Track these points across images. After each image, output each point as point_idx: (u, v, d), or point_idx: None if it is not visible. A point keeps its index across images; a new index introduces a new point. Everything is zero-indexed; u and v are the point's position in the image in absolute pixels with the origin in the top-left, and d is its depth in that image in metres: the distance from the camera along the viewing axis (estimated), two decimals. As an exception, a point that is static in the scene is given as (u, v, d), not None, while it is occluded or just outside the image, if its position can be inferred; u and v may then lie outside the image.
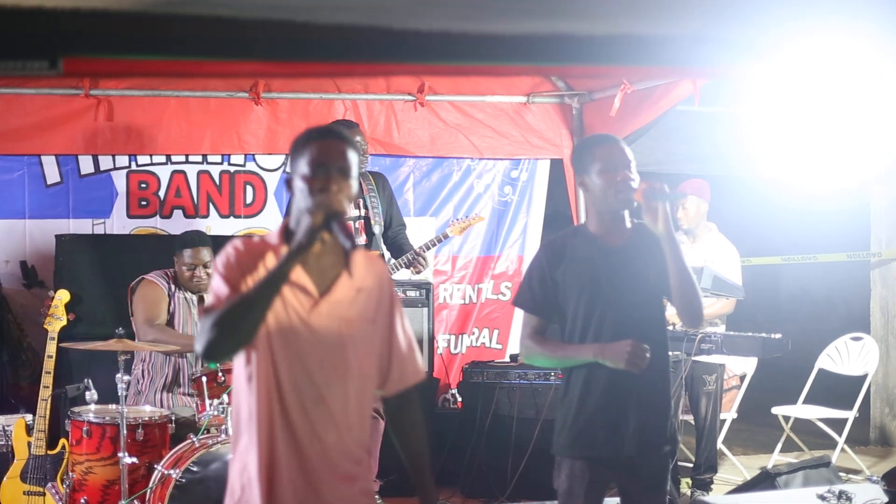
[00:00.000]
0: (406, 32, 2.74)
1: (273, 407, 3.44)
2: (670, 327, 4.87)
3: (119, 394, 6.20)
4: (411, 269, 7.72)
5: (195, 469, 5.97)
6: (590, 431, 4.57)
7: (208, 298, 3.45)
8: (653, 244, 4.54)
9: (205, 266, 7.09)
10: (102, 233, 8.44)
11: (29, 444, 6.91)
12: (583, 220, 4.87)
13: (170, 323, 7.13)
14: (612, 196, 4.53)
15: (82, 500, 6.38)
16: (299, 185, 3.44)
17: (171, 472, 5.95)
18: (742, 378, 8.59)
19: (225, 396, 6.20)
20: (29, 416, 7.06)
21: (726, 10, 3.09)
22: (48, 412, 6.94)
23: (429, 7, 2.90)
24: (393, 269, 7.57)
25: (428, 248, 7.80)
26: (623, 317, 4.52)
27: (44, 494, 6.76)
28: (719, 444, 8.38)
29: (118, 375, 6.24)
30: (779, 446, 8.72)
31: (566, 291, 4.59)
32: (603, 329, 4.52)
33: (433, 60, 3.09)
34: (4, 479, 6.90)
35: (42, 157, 8.34)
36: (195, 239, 7.21)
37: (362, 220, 7.57)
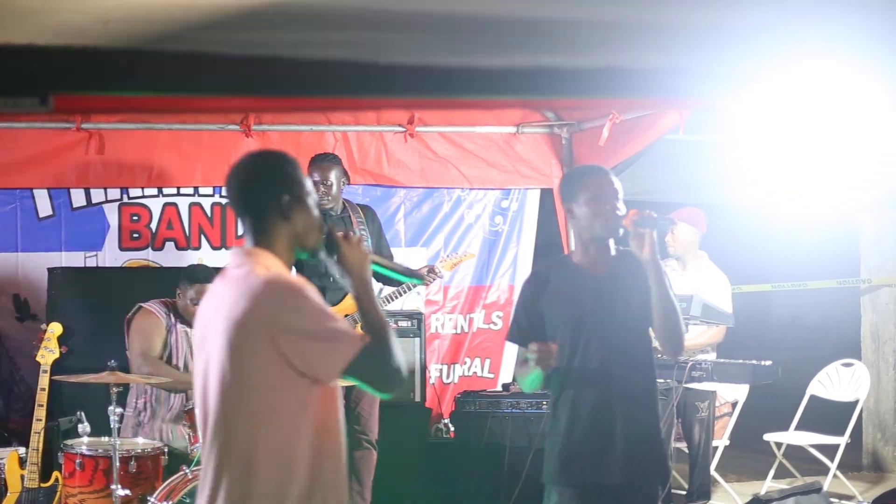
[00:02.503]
0: (394, 67, 2.77)
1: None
2: (659, 355, 4.89)
3: (111, 426, 6.20)
4: (423, 282, 7.64)
5: (188, 501, 5.97)
6: (577, 459, 4.60)
7: (340, 332, 3.44)
8: (637, 272, 4.58)
9: None
10: (95, 265, 8.44)
11: (22, 476, 6.90)
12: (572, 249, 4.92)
13: (168, 355, 7.13)
14: (600, 225, 4.58)
15: (75, 533, 6.38)
16: None
17: (164, 503, 5.95)
18: (734, 405, 8.60)
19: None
20: (22, 449, 7.05)
21: (712, 42, 3.13)
22: (41, 445, 6.94)
23: (417, 42, 2.93)
24: (394, 297, 7.57)
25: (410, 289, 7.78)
26: (608, 344, 4.56)
27: (37, 527, 6.76)
28: (712, 471, 8.38)
29: (111, 408, 6.24)
30: (771, 473, 8.73)
31: (551, 321, 4.64)
32: (588, 357, 4.56)
33: (422, 94, 3.12)
34: (-2, 512, 6.91)
35: (34, 191, 8.36)
36: (204, 276, 7.19)
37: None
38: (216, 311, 3.56)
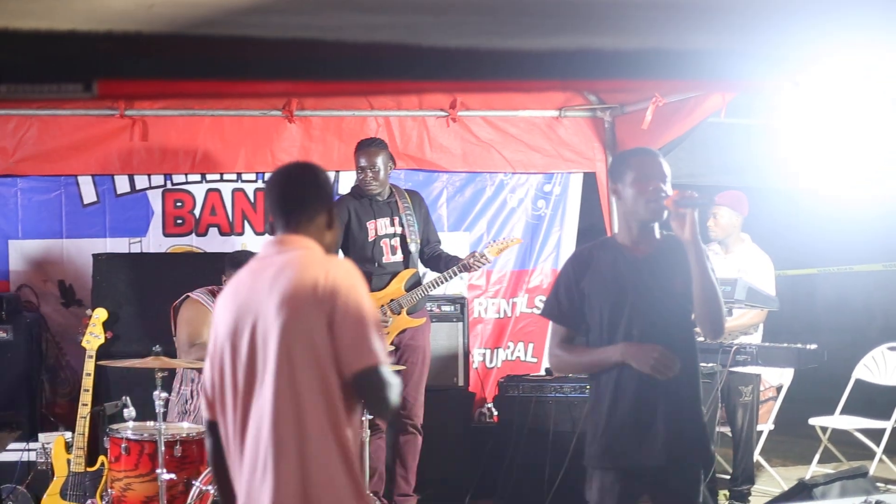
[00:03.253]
0: (437, 50, 2.76)
1: None
2: (700, 339, 4.86)
3: (156, 410, 6.24)
4: (469, 271, 7.66)
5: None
6: (619, 442, 4.58)
7: None
8: (681, 255, 4.55)
9: None
10: (139, 251, 8.49)
11: (68, 461, 6.97)
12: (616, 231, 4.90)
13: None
14: (643, 206, 4.55)
15: (121, 517, 6.43)
16: None
17: (209, 487, 5.97)
18: (779, 389, 8.54)
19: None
20: (68, 434, 7.12)
21: (758, 24, 3.10)
22: (87, 430, 7.00)
23: (459, 24, 2.92)
24: (440, 282, 7.56)
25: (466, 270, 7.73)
26: (649, 326, 4.54)
27: (83, 511, 6.82)
28: (756, 456, 8.34)
29: (156, 392, 6.28)
30: (816, 457, 8.68)
31: (592, 301, 4.62)
32: (630, 338, 4.54)
33: (464, 77, 3.11)
34: (45, 496, 6.97)
35: (79, 178, 8.42)
36: (243, 258, 7.25)
37: (398, 238, 7.59)
38: (277, 286, 3.64)
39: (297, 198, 3.86)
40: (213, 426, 3.85)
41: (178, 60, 2.20)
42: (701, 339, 4.84)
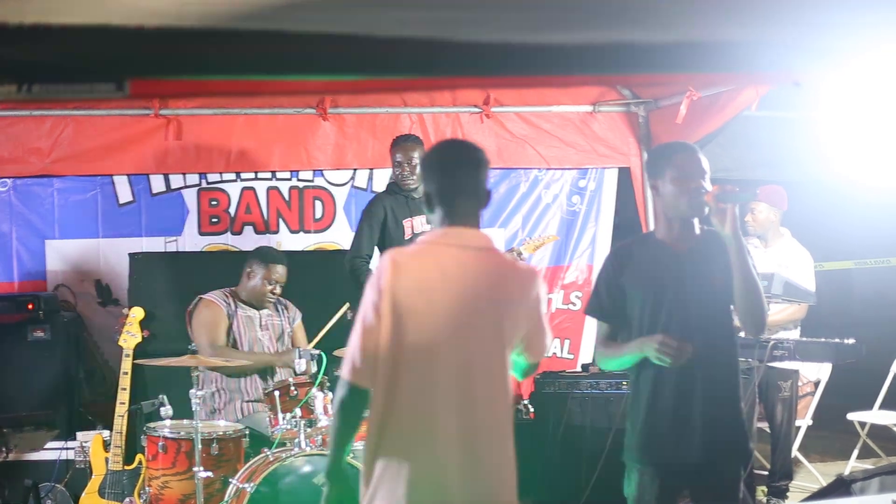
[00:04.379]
0: (470, 45, 2.74)
1: None
2: (740, 334, 4.82)
3: (193, 409, 6.26)
4: None
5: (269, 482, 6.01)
6: (657, 438, 4.56)
7: None
8: (721, 251, 4.52)
9: (279, 283, 7.21)
10: (175, 250, 8.53)
11: (106, 459, 7.00)
12: (652, 228, 4.87)
13: (233, 343, 7.17)
14: (685, 203, 4.53)
15: (159, 515, 6.45)
16: None
17: (246, 485, 5.98)
18: (817, 384, 8.49)
19: (297, 410, 6.24)
20: (106, 432, 7.15)
21: (794, 15, 3.07)
22: (125, 428, 7.03)
23: (492, 19, 2.91)
24: None
25: None
26: (689, 321, 4.51)
27: (122, 509, 6.85)
28: (794, 451, 8.29)
29: (192, 391, 6.30)
30: (855, 453, 8.61)
31: (632, 297, 4.60)
32: (669, 334, 4.50)
33: (497, 73, 3.09)
34: (83, 494, 7.00)
35: (114, 177, 8.47)
36: (275, 257, 7.31)
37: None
38: (484, 283, 3.79)
39: (484, 188, 3.94)
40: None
41: (210, 57, 2.20)
42: (741, 334, 4.80)
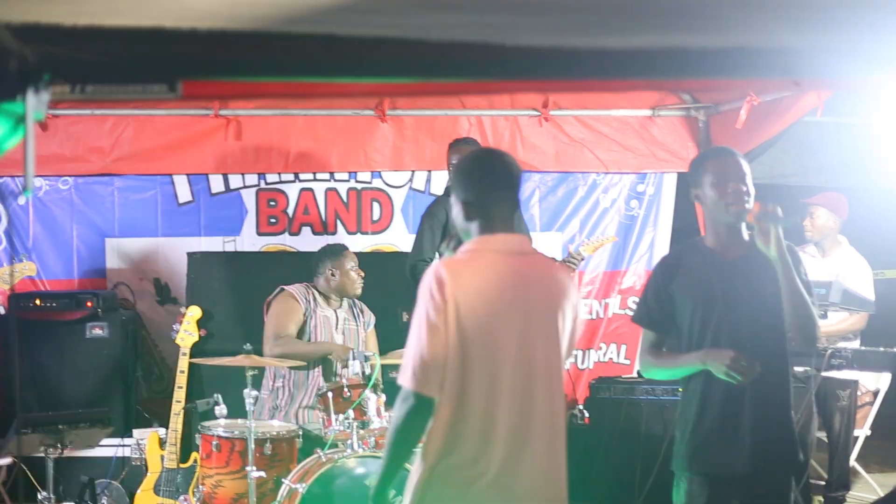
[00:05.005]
0: (528, 49, 2.73)
1: None
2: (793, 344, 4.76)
3: (247, 408, 6.28)
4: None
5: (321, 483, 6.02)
6: (706, 448, 4.51)
7: None
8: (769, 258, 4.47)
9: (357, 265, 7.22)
10: (233, 250, 8.57)
11: (162, 457, 7.05)
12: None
13: (308, 340, 7.15)
14: (724, 208, 4.49)
15: (213, 514, 6.48)
16: None
17: (298, 486, 6.00)
18: (875, 394, 8.39)
19: (350, 412, 6.24)
20: (162, 430, 7.20)
21: (855, 21, 3.03)
22: (180, 426, 7.08)
23: (551, 23, 2.89)
24: None
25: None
26: (739, 330, 4.46)
27: (176, 507, 6.89)
28: (852, 461, 8.19)
29: (246, 390, 6.32)
30: (915, 464, 8.52)
31: (681, 306, 4.56)
32: (719, 342, 4.45)
33: (556, 77, 3.08)
34: (139, 491, 7.05)
35: (174, 177, 8.53)
36: (341, 249, 7.31)
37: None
38: (537, 285, 3.84)
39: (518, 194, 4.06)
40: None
41: (260, 60, 2.20)
42: (793, 344, 4.73)
